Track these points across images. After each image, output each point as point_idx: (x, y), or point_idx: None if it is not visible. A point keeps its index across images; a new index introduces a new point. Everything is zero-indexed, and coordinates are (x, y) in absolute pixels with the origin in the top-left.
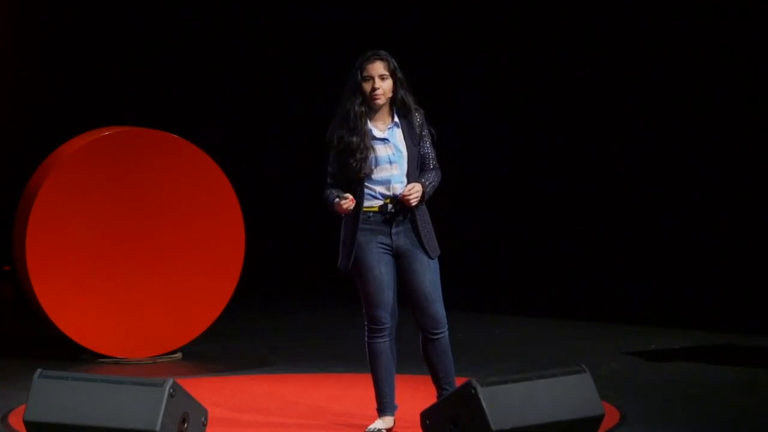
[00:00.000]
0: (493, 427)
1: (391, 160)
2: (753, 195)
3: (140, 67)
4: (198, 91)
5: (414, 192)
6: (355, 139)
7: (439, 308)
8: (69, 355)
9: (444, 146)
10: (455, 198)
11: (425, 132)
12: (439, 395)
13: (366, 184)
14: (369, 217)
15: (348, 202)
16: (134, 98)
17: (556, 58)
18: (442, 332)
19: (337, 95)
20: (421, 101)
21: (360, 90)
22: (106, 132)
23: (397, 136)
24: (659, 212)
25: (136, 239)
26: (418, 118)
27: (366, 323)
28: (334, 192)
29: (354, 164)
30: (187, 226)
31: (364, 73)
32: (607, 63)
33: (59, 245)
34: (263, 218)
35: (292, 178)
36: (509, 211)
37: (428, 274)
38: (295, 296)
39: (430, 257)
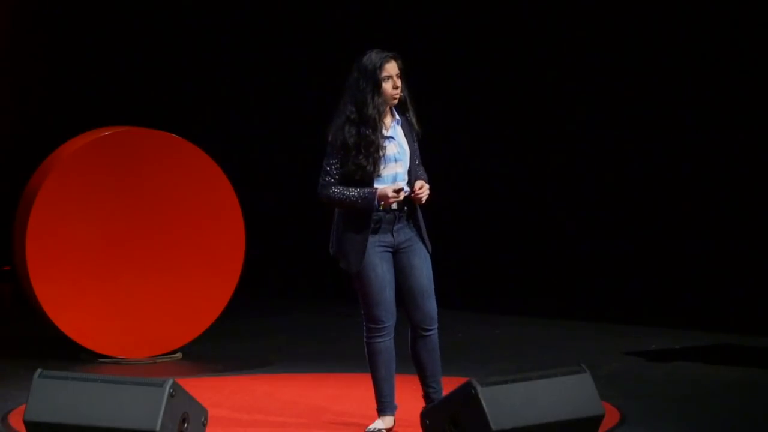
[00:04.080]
0: (493, 427)
1: (397, 158)
2: (753, 195)
3: (140, 67)
4: (198, 90)
5: (425, 190)
6: (374, 138)
7: (433, 304)
8: (69, 355)
9: (445, 145)
10: (456, 198)
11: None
12: (425, 394)
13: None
14: (372, 216)
15: (401, 193)
16: (134, 98)
17: (563, 59)
18: (433, 329)
19: (338, 94)
20: (422, 101)
21: (380, 89)
22: (106, 132)
23: (400, 133)
24: (659, 212)
25: (136, 239)
26: (413, 115)
27: (365, 323)
28: (352, 189)
29: (367, 165)
30: (187, 226)
31: (384, 73)
32: (610, 65)
33: (59, 245)
34: (263, 218)
35: (293, 177)
36: (510, 211)
37: (425, 269)
38: (295, 296)
39: (428, 250)
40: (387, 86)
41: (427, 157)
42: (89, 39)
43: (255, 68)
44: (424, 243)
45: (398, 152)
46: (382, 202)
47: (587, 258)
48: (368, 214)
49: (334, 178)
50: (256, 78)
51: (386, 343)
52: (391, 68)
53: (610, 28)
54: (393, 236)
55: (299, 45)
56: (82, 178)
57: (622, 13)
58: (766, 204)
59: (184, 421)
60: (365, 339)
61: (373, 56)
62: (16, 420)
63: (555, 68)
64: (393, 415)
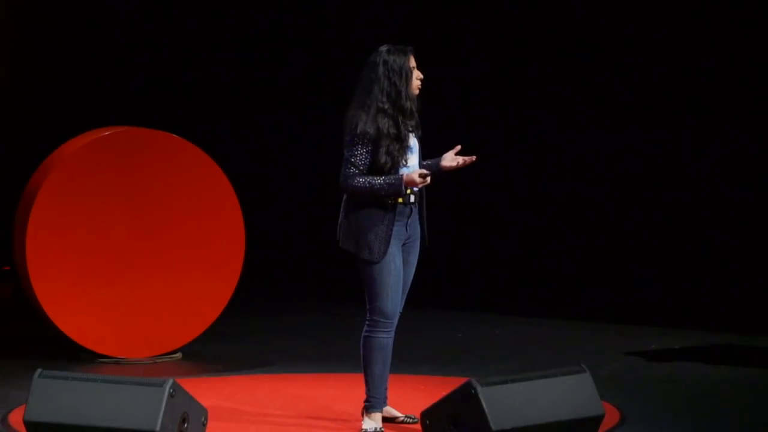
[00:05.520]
0: (493, 427)
1: (412, 150)
2: (752, 195)
3: (140, 66)
4: (198, 90)
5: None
6: (410, 128)
7: (403, 301)
8: (69, 355)
9: (445, 145)
10: (455, 198)
11: None
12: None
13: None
14: (395, 207)
15: (427, 178)
16: (134, 98)
17: (561, 57)
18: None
19: (337, 93)
20: (426, 100)
21: (411, 80)
22: (106, 132)
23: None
24: (659, 212)
25: (136, 239)
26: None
27: (371, 316)
28: (377, 177)
29: (398, 155)
30: (187, 226)
31: (411, 64)
32: (610, 63)
33: (59, 245)
34: (263, 218)
35: (293, 177)
36: (510, 211)
37: (414, 267)
38: (295, 296)
39: (424, 245)
40: (413, 77)
41: (428, 156)
42: (90, 39)
43: (255, 68)
44: (424, 236)
45: (413, 145)
46: (410, 187)
47: (587, 258)
48: (391, 205)
49: (359, 169)
50: (256, 78)
51: (389, 339)
52: (413, 61)
53: (608, 26)
54: (407, 230)
55: (299, 46)
56: (82, 178)
57: (623, 12)
58: (766, 204)
59: (184, 421)
60: (367, 333)
61: (395, 49)
62: (16, 420)
63: (553, 69)
64: (382, 411)
